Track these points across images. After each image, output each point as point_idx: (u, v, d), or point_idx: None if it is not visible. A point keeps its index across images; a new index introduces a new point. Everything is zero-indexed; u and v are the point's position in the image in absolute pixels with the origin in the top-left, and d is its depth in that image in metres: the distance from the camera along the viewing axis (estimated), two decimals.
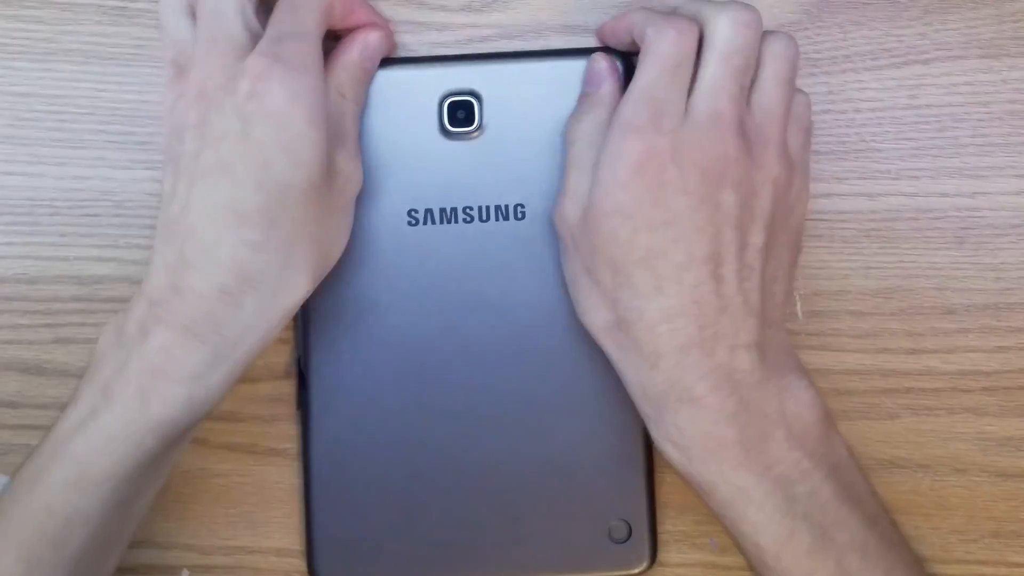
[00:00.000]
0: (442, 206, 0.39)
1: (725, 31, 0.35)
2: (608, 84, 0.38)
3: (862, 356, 0.42)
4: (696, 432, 0.35)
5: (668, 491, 0.41)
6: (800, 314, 0.42)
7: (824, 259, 0.42)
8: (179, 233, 0.34)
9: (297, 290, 0.35)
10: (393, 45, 0.40)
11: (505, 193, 0.39)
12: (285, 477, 0.42)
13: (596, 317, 0.37)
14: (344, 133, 0.37)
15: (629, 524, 0.40)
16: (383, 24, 0.39)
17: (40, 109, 0.42)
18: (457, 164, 0.39)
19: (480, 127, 0.40)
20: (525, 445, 0.40)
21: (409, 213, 0.39)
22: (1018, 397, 0.41)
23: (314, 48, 0.35)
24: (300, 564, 0.41)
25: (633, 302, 0.35)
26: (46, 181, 0.41)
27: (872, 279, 0.42)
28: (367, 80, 0.39)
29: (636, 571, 0.40)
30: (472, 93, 0.39)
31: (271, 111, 0.34)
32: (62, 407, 0.35)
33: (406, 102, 0.39)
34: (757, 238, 0.35)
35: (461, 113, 0.39)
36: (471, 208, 0.39)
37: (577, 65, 0.39)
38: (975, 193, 0.41)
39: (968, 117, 0.41)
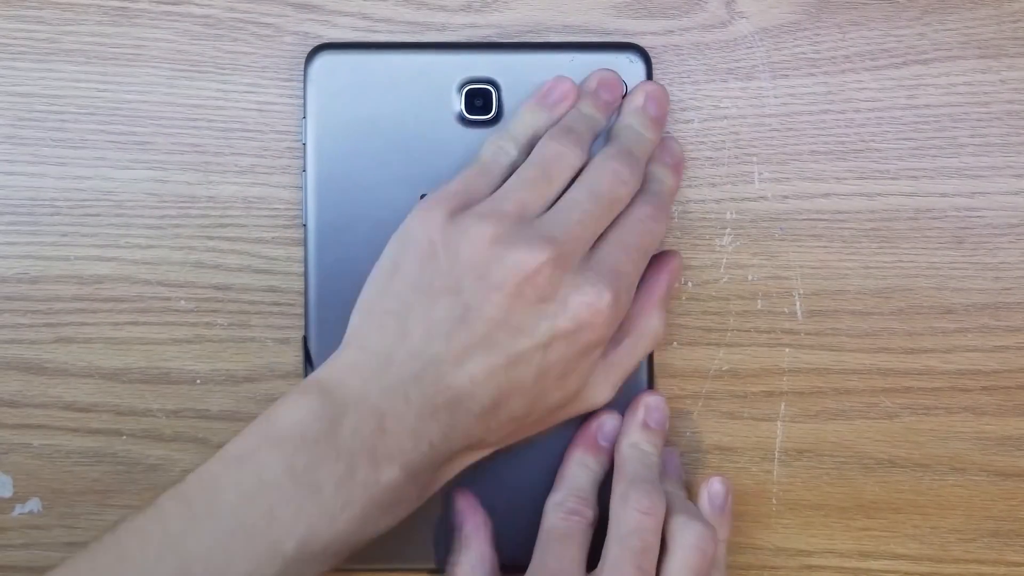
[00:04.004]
0: None
1: (621, 514, 0.37)
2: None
3: (861, 356, 0.42)
4: None
5: None
6: (800, 314, 0.42)
7: (823, 259, 0.42)
8: (441, 383, 0.35)
9: (471, 462, 0.37)
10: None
11: None
12: None
13: None
14: (615, 366, 0.38)
15: None
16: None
17: (41, 109, 0.42)
18: (472, 151, 0.40)
19: (497, 116, 0.40)
20: (524, 439, 0.40)
21: (422, 198, 0.39)
22: (1016, 397, 0.41)
23: (632, 295, 0.37)
24: None
25: None
26: (47, 181, 0.42)
27: (871, 279, 0.42)
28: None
29: None
30: (490, 82, 0.39)
31: (577, 346, 0.35)
32: (223, 457, 0.34)
33: (424, 87, 0.40)
34: None
35: (479, 101, 0.40)
36: None
37: (595, 59, 0.39)
38: (974, 193, 0.41)
39: (967, 117, 0.41)
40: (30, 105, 0.42)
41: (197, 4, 0.42)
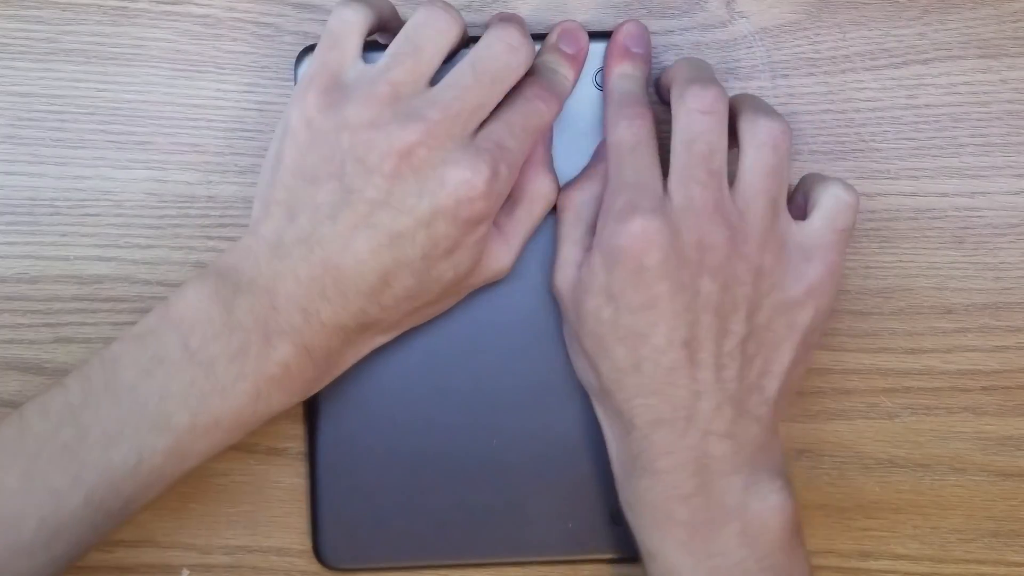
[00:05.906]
0: None
1: (682, 119, 0.36)
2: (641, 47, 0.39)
3: (862, 356, 0.42)
4: (649, 502, 0.36)
5: None
6: None
7: None
8: (328, 263, 0.35)
9: (375, 345, 0.38)
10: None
11: None
12: (286, 476, 0.42)
13: (586, 379, 0.38)
14: (512, 235, 0.38)
15: None
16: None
17: (41, 109, 0.42)
18: None
19: None
20: (530, 429, 0.40)
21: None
22: (1017, 396, 0.41)
23: (517, 171, 0.37)
24: (301, 563, 0.41)
25: (612, 374, 0.36)
26: (47, 181, 0.42)
27: (871, 279, 0.42)
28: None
29: (636, 555, 0.40)
30: None
31: (459, 222, 0.35)
32: (116, 339, 0.35)
33: None
34: (739, 327, 0.36)
35: None
36: None
37: (593, 48, 0.39)
38: (974, 193, 0.41)
39: (967, 117, 0.41)
40: (30, 105, 0.42)
41: (197, 4, 0.42)
